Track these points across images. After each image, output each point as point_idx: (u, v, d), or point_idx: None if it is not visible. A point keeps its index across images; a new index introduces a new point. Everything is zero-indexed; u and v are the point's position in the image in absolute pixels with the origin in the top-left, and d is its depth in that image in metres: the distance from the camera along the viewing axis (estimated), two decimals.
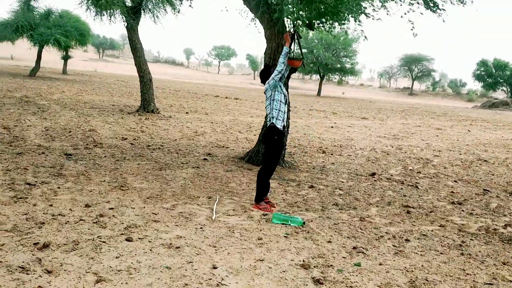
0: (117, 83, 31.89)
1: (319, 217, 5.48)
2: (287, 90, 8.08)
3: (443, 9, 6.77)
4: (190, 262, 3.77)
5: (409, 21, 6.93)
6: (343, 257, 4.22)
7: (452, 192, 7.57)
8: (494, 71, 61.85)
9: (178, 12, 14.41)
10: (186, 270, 3.61)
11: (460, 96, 74.11)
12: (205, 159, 8.56)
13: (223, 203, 5.73)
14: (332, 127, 16.90)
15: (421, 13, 6.74)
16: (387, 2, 6.99)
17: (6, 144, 7.97)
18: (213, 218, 5.03)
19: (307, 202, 6.18)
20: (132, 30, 14.55)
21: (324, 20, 7.73)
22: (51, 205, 4.93)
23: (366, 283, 3.69)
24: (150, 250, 3.96)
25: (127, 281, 3.33)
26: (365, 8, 7.01)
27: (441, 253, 4.56)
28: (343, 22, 7.68)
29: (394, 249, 4.56)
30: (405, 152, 11.83)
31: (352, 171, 8.78)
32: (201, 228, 4.68)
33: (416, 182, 8.09)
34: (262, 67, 6.43)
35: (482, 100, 61.13)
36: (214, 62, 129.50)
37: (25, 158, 7.11)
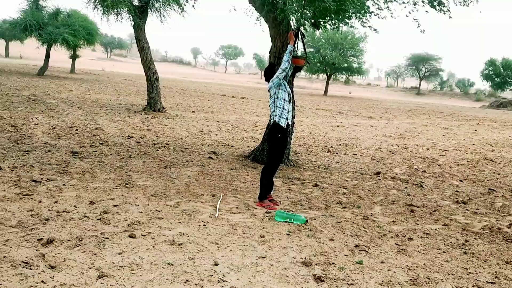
0: (124, 82, 32.04)
1: (322, 215, 5.49)
2: (292, 89, 8.11)
3: (448, 10, 6.75)
4: (192, 258, 3.80)
5: (415, 19, 6.91)
6: (345, 255, 4.23)
7: (456, 191, 7.55)
8: (502, 70, 61.34)
9: (182, 10, 14.47)
10: (187, 266, 3.64)
11: (468, 96, 73.59)
12: (210, 157, 8.59)
13: (226, 201, 5.76)
14: (338, 126, 16.88)
15: (426, 11, 6.72)
16: (391, 2, 6.98)
17: (13, 142, 8.06)
18: (216, 215, 5.06)
19: (310, 200, 6.19)
20: (139, 29, 14.62)
21: (328, 18, 7.72)
22: (56, 202, 4.98)
23: (367, 281, 3.69)
24: (153, 246, 3.99)
25: (129, 277, 3.36)
26: (368, 7, 7.00)
27: (444, 252, 4.55)
28: (346, 21, 7.67)
29: (396, 247, 4.56)
30: (411, 152, 11.79)
31: (357, 170, 8.77)
32: (204, 225, 4.71)
33: (421, 181, 8.07)
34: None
35: (490, 100, 60.64)
36: (221, 62, 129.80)
37: (31, 155, 7.19)
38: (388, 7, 7.00)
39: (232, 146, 10.24)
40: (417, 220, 5.66)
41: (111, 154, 7.92)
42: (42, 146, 8.01)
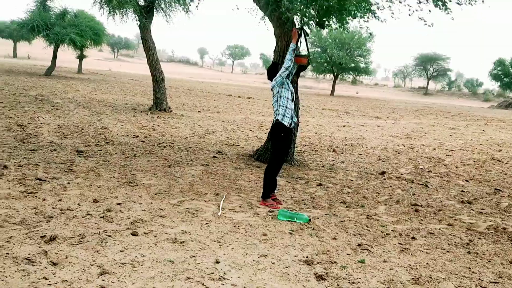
0: (131, 82, 32.17)
1: (325, 214, 5.48)
2: (296, 88, 8.10)
3: (449, 9, 6.71)
4: (194, 256, 3.81)
5: (420, 18, 6.88)
6: (347, 254, 4.21)
7: (462, 191, 7.50)
8: (511, 70, 60.85)
9: (187, 11, 14.50)
10: (189, 264, 3.65)
11: (476, 96, 73.06)
12: (214, 156, 8.60)
13: (230, 199, 5.76)
14: (344, 126, 16.83)
15: (429, 10, 6.68)
16: (393, 2, 6.96)
17: (20, 141, 8.11)
18: (219, 214, 5.06)
19: (314, 200, 6.18)
20: (145, 29, 14.68)
21: (331, 17, 7.70)
22: (60, 200, 5.01)
23: (369, 280, 3.68)
24: (155, 244, 4.00)
25: (130, 274, 3.37)
26: (370, 5, 6.97)
27: (447, 251, 4.52)
28: (346, 21, 7.64)
29: (399, 246, 4.54)
30: (417, 152, 11.74)
31: (362, 169, 8.74)
32: (206, 223, 4.71)
33: (426, 181, 8.03)
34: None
35: (498, 100, 60.17)
36: (228, 62, 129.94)
37: (37, 154, 7.24)
38: (390, 6, 6.97)
39: (237, 145, 10.25)
40: (421, 219, 5.63)
41: (116, 153, 7.95)
42: (48, 145, 8.07)
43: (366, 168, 8.94)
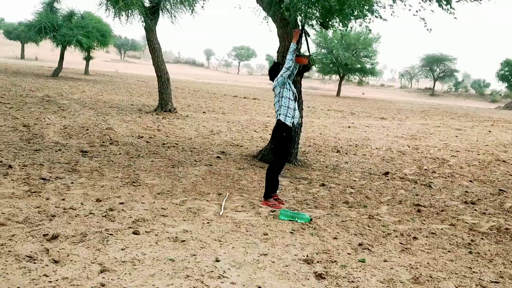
0: (137, 84, 32.31)
1: (327, 214, 5.48)
2: (300, 89, 8.12)
3: (453, 8, 6.69)
4: (194, 255, 3.83)
5: (422, 19, 6.87)
6: (348, 253, 4.22)
7: (466, 191, 7.47)
8: None
9: (192, 11, 14.56)
10: (189, 262, 3.67)
11: (483, 97, 72.65)
12: (218, 157, 8.63)
13: (232, 199, 5.78)
14: (349, 127, 16.81)
15: (432, 11, 6.67)
16: (395, 2, 6.95)
17: (25, 141, 8.19)
18: (221, 213, 5.09)
19: (316, 199, 6.19)
20: (150, 30, 14.76)
21: (334, 18, 7.70)
22: (63, 199, 5.06)
23: (368, 279, 3.69)
24: (156, 243, 4.03)
25: (131, 272, 3.40)
26: (372, 5, 6.96)
27: (449, 251, 4.51)
28: (348, 21, 7.64)
29: (400, 246, 4.54)
30: (422, 152, 11.70)
31: (366, 170, 8.73)
32: (208, 223, 4.74)
33: (430, 182, 8.01)
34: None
35: (506, 101, 59.80)
36: (234, 63, 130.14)
37: (42, 154, 7.30)
38: (391, 5, 6.96)
39: (241, 146, 10.27)
40: (424, 219, 5.62)
41: (120, 154, 8.00)
42: (53, 145, 8.13)
43: (370, 168, 8.93)
